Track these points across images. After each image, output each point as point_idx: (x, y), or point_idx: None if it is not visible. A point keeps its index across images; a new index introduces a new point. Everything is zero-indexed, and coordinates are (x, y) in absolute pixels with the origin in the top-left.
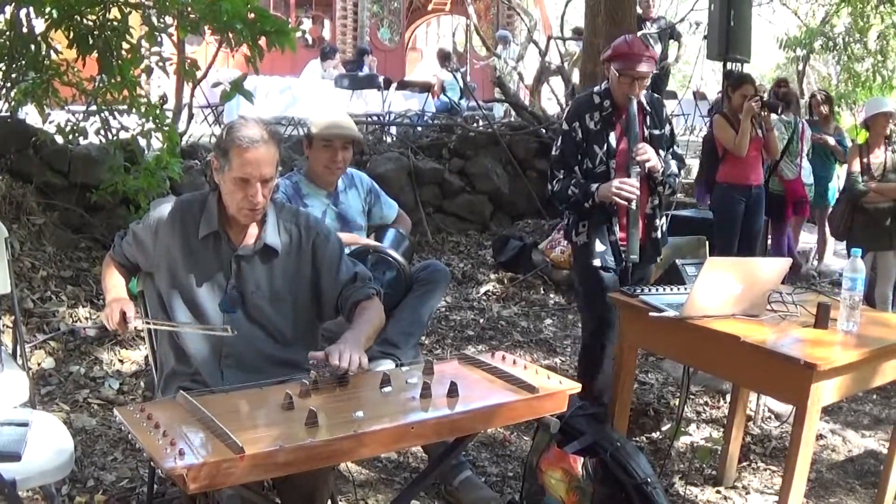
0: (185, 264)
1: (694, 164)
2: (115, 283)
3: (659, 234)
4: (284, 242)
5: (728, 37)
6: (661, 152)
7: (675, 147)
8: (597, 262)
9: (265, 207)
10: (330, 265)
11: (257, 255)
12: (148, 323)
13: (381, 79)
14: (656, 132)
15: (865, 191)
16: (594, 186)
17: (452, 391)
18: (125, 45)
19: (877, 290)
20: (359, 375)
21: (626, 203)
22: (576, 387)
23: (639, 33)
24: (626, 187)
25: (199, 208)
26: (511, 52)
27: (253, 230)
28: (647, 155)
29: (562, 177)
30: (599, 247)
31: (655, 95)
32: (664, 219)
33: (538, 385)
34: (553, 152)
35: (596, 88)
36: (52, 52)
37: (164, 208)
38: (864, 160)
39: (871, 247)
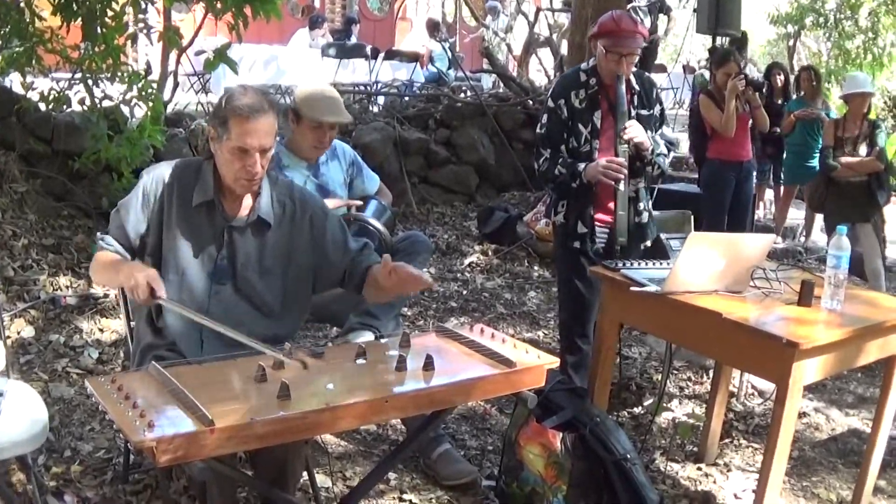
0: (178, 230)
1: (682, 137)
2: (120, 259)
3: (645, 218)
4: (277, 214)
5: (718, 11)
6: (650, 133)
7: (664, 129)
8: (576, 245)
9: (262, 178)
10: (336, 241)
11: (250, 228)
12: (178, 308)
13: (368, 48)
14: (644, 112)
15: (835, 165)
16: (581, 166)
17: (429, 364)
18: (109, 13)
19: (866, 265)
20: (334, 348)
21: (612, 183)
22: (554, 361)
23: (628, 6)
24: (614, 166)
25: (193, 176)
26: (500, 23)
27: (247, 202)
28: (635, 131)
29: (548, 155)
30: (581, 228)
31: (646, 75)
32: (649, 201)
33: (516, 359)
34: (538, 130)
35: (583, 66)
36: (36, 19)
37: (162, 170)
38: (839, 135)
39: (843, 220)
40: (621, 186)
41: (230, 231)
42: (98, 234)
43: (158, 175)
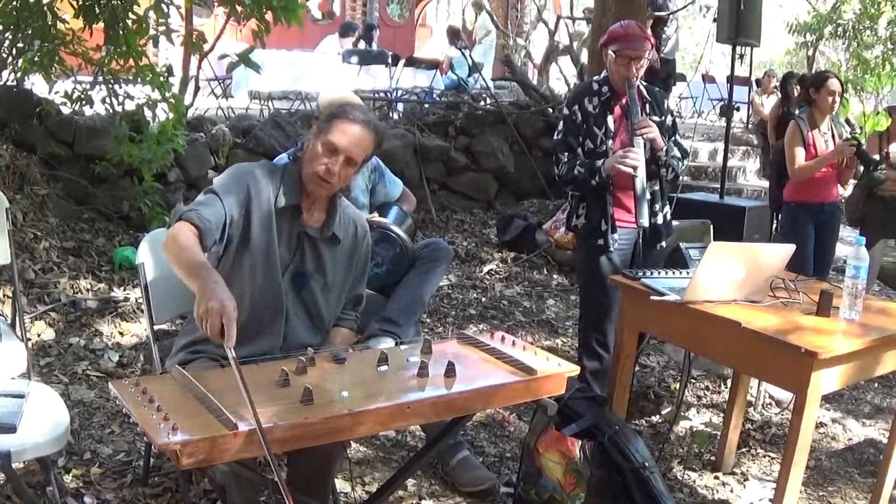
0: (261, 228)
1: (701, 146)
2: (202, 263)
3: (661, 220)
4: (346, 233)
5: (738, 20)
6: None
7: (677, 137)
8: (600, 242)
9: (335, 189)
10: (357, 277)
11: (321, 240)
12: (235, 370)
13: (389, 55)
14: (656, 119)
15: (883, 179)
16: (599, 162)
17: (450, 371)
18: (131, 16)
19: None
20: (355, 354)
21: (631, 171)
22: (575, 369)
23: (648, 16)
24: (631, 154)
25: (278, 177)
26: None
27: (321, 215)
28: (649, 128)
29: (566, 159)
30: (603, 225)
31: (657, 88)
32: (667, 206)
33: (537, 367)
34: (555, 137)
35: (595, 77)
36: (58, 21)
37: (252, 167)
38: (884, 148)
39: (885, 234)
40: (638, 173)
41: (304, 238)
42: (179, 205)
43: (250, 170)
